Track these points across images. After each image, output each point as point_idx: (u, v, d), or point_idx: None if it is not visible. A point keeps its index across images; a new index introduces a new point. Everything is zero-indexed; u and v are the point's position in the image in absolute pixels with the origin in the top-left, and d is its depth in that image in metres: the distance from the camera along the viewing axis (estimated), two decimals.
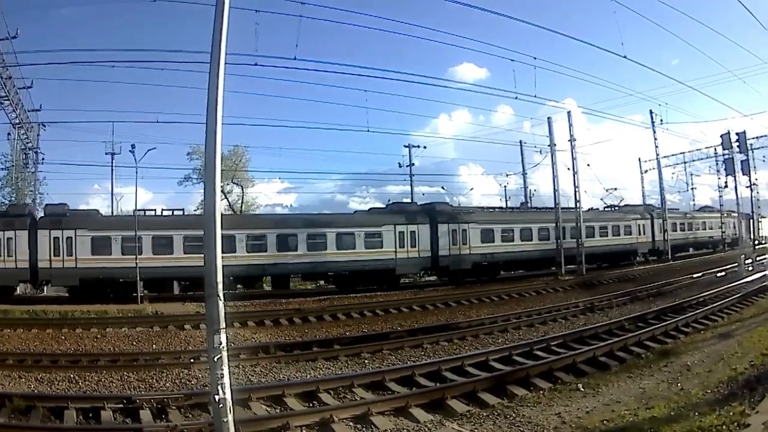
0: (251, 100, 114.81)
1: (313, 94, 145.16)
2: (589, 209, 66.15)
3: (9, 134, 55.71)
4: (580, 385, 14.70)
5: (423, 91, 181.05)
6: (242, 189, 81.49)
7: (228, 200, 76.98)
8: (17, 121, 52.97)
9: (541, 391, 14.52)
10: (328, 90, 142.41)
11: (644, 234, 67.48)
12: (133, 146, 43.66)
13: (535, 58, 45.72)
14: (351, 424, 12.52)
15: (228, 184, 76.85)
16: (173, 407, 14.00)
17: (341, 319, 30.84)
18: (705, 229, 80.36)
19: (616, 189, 72.85)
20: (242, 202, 79.43)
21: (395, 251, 47.30)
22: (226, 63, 9.46)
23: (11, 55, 44.73)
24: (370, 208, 61.17)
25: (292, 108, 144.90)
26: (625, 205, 72.95)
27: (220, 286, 8.98)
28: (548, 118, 56.93)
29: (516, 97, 44.00)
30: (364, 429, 12.30)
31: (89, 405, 14.33)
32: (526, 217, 58.82)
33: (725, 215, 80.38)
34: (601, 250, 60.59)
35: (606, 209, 70.77)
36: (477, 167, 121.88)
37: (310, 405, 14.37)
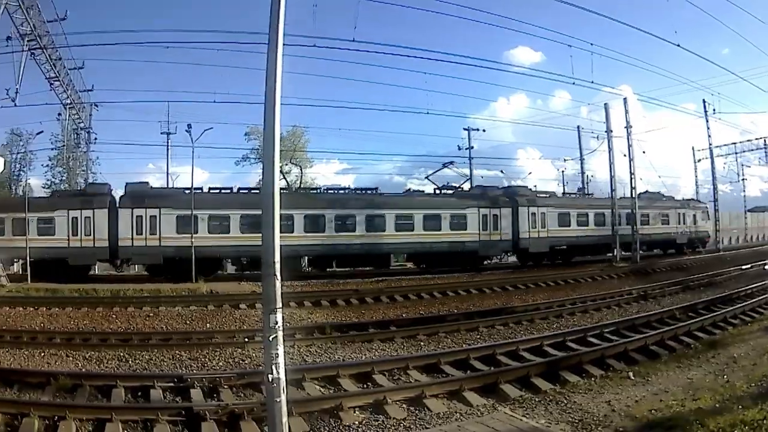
0: (309, 81, 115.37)
1: (372, 76, 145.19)
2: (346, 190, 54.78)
3: (59, 114, 56.66)
4: (630, 374, 14.69)
5: (481, 74, 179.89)
6: (301, 169, 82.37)
7: (287, 180, 77.60)
8: (68, 102, 53.74)
9: (592, 378, 14.58)
10: (387, 71, 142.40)
11: (492, 229, 51.65)
12: (189, 126, 45.42)
13: (591, 44, 45.90)
14: (405, 406, 12.63)
15: (286, 164, 77.73)
16: (225, 386, 14.15)
17: (398, 300, 31.27)
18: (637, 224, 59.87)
19: (452, 162, 62.03)
20: (301, 183, 79.75)
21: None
22: (284, 44, 9.39)
23: (60, 36, 45.65)
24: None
25: (351, 89, 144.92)
26: (476, 187, 60.18)
27: (278, 266, 8.98)
28: (605, 104, 56.87)
29: (573, 83, 44.14)
30: (417, 411, 12.36)
31: (138, 383, 14.55)
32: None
33: (685, 206, 67.32)
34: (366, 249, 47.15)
35: (439, 191, 55.85)
36: (535, 151, 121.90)
37: (365, 386, 14.49)
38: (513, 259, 57.60)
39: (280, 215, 8.81)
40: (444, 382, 14.08)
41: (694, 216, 68.64)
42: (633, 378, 14.35)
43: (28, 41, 41.56)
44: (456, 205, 52.10)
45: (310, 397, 13.46)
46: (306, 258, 49.67)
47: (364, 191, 53.54)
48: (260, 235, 8.75)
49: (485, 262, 54.87)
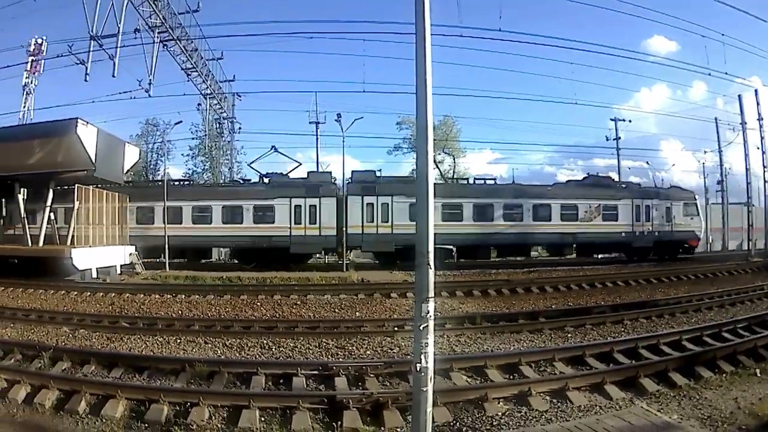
0: (458, 71, 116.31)
1: (519, 65, 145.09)
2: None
3: (199, 105, 59.03)
4: (757, 371, 14.75)
5: (622, 65, 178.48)
6: (454, 159, 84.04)
7: (440, 170, 79.63)
8: (208, 92, 55.76)
9: (723, 374, 14.59)
10: (533, 61, 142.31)
11: (308, 223, 46.54)
12: (339, 115, 47.29)
13: (723, 35, 45.86)
14: (548, 398, 12.87)
15: (439, 154, 79.19)
16: (371, 375, 14.34)
17: (548, 291, 31.59)
18: (557, 219, 50.21)
19: (274, 146, 54.64)
20: (454, 172, 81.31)
21: None
22: (431, 34, 9.43)
23: (195, 27, 47.34)
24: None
25: (499, 79, 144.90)
26: (311, 173, 52.53)
27: (431, 255, 9.04)
28: (738, 95, 55.14)
29: (709, 74, 44.19)
30: (559, 403, 12.61)
31: (281, 371, 14.78)
32: None
33: (649, 196, 53.31)
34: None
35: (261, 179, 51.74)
36: (677, 142, 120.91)
37: (511, 377, 14.68)
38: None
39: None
40: (587, 375, 14.30)
41: (667, 210, 54.04)
42: (759, 375, 14.48)
43: (158, 33, 42.97)
44: (262, 195, 48.51)
45: (456, 387, 13.65)
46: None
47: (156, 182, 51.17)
48: None
49: (310, 260, 52.06)
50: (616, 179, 59.84)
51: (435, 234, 8.68)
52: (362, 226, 47.22)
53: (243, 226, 46.97)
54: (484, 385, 13.64)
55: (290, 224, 46.97)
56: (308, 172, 52.78)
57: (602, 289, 32.78)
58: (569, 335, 20.09)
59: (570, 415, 11.96)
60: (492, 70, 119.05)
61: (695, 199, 56.23)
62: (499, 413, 12.07)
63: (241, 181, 57.07)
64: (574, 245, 53.29)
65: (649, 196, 53.82)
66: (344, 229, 47.00)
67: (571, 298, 29.70)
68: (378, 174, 51.72)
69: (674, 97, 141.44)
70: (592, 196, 52.27)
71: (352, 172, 52.40)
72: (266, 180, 51.07)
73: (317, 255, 52.99)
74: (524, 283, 33.22)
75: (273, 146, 54.52)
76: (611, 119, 73.76)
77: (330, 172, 53.59)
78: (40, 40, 65.93)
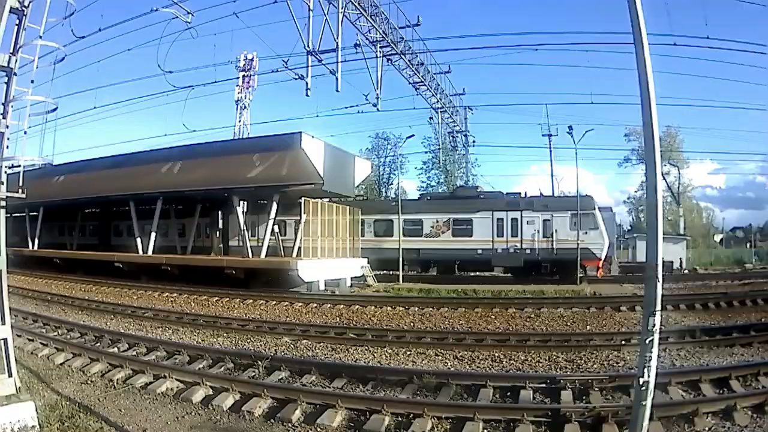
0: (675, 80, 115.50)
1: (728, 73, 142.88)
2: None
3: (431, 118, 60.66)
4: None
5: None
6: (678, 170, 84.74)
7: (666, 181, 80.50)
8: (439, 106, 56.92)
9: None
10: (741, 69, 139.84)
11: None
12: (570, 128, 48.64)
13: None
14: (749, 413, 12.91)
15: (665, 165, 79.31)
16: (596, 389, 14.69)
17: (760, 304, 31.26)
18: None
19: None
20: (679, 183, 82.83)
21: None
22: (649, 43, 9.55)
23: (418, 41, 48.45)
24: None
25: (710, 86, 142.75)
26: None
27: (660, 269, 9.14)
28: None
29: None
30: (757, 419, 12.72)
31: (509, 384, 15.28)
32: None
33: (519, 207, 49.51)
34: None
35: None
36: None
37: (720, 392, 14.75)
38: None
39: None
40: None
41: (545, 223, 48.62)
42: None
43: (380, 48, 44.28)
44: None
45: (671, 401, 13.84)
46: None
47: None
48: None
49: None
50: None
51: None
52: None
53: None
54: (696, 400, 13.92)
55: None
56: None
57: None
58: None
59: (766, 430, 12.37)
60: (701, 78, 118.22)
61: (593, 209, 48.96)
62: (706, 428, 12.42)
63: None
64: (431, 263, 53.81)
65: (517, 207, 49.79)
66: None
67: None
68: None
69: None
70: (440, 210, 51.67)
71: None
72: None
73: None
74: (740, 296, 33.28)
75: None
76: None
77: None
78: (250, 56, 70.30)
